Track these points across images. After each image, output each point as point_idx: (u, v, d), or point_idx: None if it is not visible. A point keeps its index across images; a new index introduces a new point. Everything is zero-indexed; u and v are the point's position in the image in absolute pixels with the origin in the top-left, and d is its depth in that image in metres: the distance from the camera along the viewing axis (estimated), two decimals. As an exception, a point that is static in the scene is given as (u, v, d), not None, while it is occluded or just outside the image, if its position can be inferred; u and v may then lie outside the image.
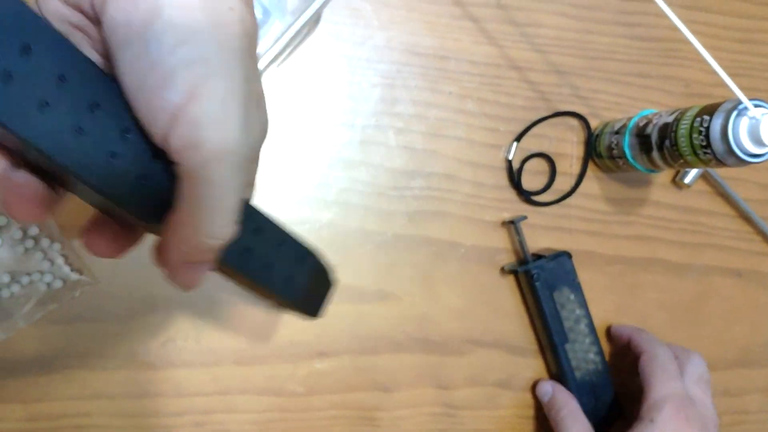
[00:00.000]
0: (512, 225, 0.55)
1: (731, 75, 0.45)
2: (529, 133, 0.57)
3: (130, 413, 0.50)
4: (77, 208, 0.49)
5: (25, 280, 0.48)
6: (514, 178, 0.56)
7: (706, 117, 0.45)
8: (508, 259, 0.56)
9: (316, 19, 0.52)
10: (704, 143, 0.45)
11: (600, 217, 0.59)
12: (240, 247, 0.30)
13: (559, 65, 0.57)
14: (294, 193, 0.53)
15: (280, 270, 0.34)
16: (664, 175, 0.60)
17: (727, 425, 0.61)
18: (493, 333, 0.56)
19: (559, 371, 0.55)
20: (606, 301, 0.59)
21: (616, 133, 0.54)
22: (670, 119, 0.49)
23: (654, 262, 0.60)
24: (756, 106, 0.43)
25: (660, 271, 0.60)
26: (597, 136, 0.57)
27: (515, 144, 0.56)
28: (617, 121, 0.55)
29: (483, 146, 0.56)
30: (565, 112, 0.57)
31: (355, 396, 0.54)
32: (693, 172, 0.58)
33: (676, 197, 0.60)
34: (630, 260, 0.59)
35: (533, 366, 0.57)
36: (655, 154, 0.50)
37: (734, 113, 0.43)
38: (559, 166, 0.57)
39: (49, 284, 0.48)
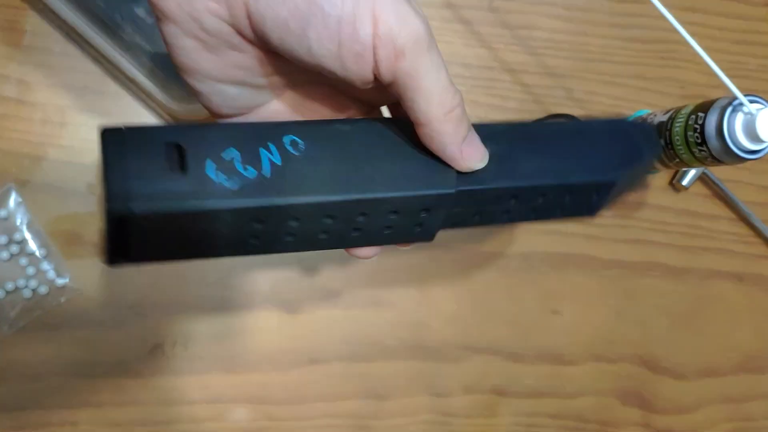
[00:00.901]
0: None
1: (728, 76, 0.44)
2: (523, 135, 0.56)
3: (118, 422, 0.49)
4: (63, 215, 0.49)
5: (9, 286, 0.47)
6: (509, 181, 0.55)
7: (701, 114, 0.44)
8: (505, 262, 0.55)
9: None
10: (699, 141, 0.44)
11: (597, 220, 0.57)
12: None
13: (553, 67, 0.57)
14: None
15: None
16: (662, 178, 0.59)
17: (730, 433, 0.59)
18: (488, 338, 0.55)
19: None
20: (604, 307, 0.58)
21: (612, 134, 0.54)
22: (664, 118, 0.48)
23: (653, 267, 0.59)
24: (751, 101, 0.42)
25: (659, 275, 0.59)
26: (592, 138, 0.56)
27: (509, 147, 0.55)
28: (612, 122, 0.55)
29: (476, 149, 0.55)
30: (560, 114, 0.56)
31: (347, 404, 0.53)
32: (690, 174, 0.57)
33: (673, 200, 0.59)
34: (628, 264, 0.58)
35: (530, 372, 0.56)
36: (651, 154, 0.49)
37: (729, 109, 0.42)
38: (554, 169, 0.56)
39: (34, 290, 0.47)
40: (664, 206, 0.59)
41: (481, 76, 0.55)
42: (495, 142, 0.32)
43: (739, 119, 0.42)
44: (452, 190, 0.31)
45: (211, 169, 0.27)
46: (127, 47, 0.45)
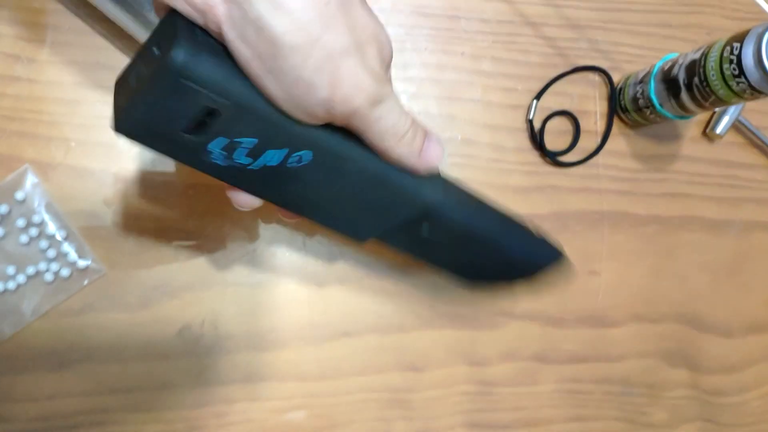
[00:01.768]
0: None
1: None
2: (549, 91, 0.54)
3: (149, 407, 0.47)
4: (81, 194, 0.47)
5: (30, 270, 0.45)
6: (537, 138, 0.53)
7: (736, 44, 0.42)
8: (539, 222, 0.53)
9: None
10: (737, 72, 0.42)
11: (630, 175, 0.55)
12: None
13: (574, 19, 0.55)
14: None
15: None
16: (694, 128, 0.57)
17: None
18: (524, 303, 0.53)
19: None
20: (643, 265, 0.55)
21: (640, 82, 0.52)
22: (696, 56, 0.46)
23: (690, 220, 0.56)
24: (792, 25, 0.40)
25: (697, 229, 0.57)
26: (620, 89, 0.54)
27: (535, 103, 0.53)
28: (641, 71, 0.53)
29: (501, 107, 0.53)
30: (585, 66, 0.54)
31: (383, 377, 0.51)
32: (724, 121, 0.55)
33: (708, 150, 0.57)
34: (665, 219, 0.56)
35: (570, 337, 0.54)
36: (684, 95, 0.47)
37: (766, 35, 0.40)
38: (583, 124, 0.54)
39: (56, 274, 0.46)
40: (698, 157, 0.57)
41: (501, 30, 0.53)
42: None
43: (779, 44, 0.40)
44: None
45: (216, 145, 0.30)
46: (140, 19, 0.44)
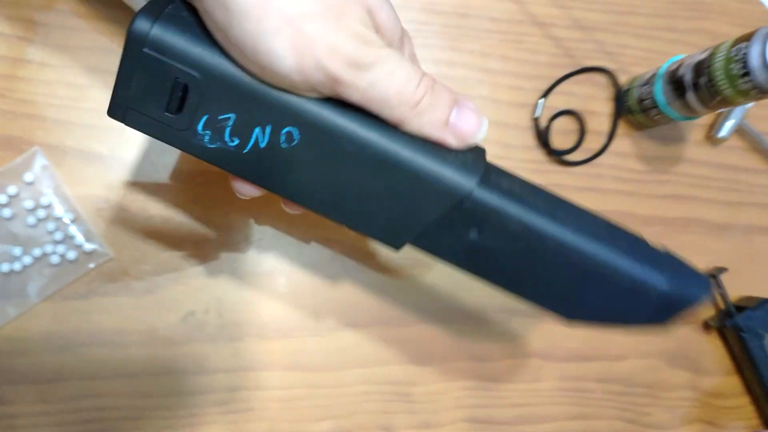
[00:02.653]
0: (713, 279, 0.56)
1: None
2: (556, 90, 0.54)
3: (151, 392, 0.47)
4: (90, 178, 0.47)
5: (36, 252, 0.45)
6: (543, 137, 0.54)
7: (743, 45, 0.43)
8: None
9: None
10: (743, 72, 0.43)
11: (634, 176, 0.56)
12: None
13: (582, 20, 0.56)
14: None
15: None
16: (698, 131, 0.57)
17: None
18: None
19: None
20: (645, 265, 0.56)
21: (646, 83, 0.52)
22: (703, 56, 0.47)
23: (693, 222, 0.57)
24: (800, 25, 0.41)
25: (700, 231, 0.57)
26: (626, 90, 0.55)
27: (542, 101, 0.54)
28: (646, 73, 0.53)
29: (508, 105, 0.54)
30: (592, 67, 0.55)
31: (386, 370, 0.51)
32: (728, 125, 0.56)
33: (711, 154, 0.58)
34: (668, 221, 0.56)
35: (573, 335, 0.54)
36: (690, 95, 0.48)
37: (776, 34, 0.41)
38: (589, 124, 0.55)
39: (62, 256, 0.46)
40: (701, 160, 0.57)
41: (510, 30, 0.54)
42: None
43: (787, 43, 0.41)
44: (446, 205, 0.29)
45: (201, 124, 0.29)
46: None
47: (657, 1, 0.57)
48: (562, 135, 0.55)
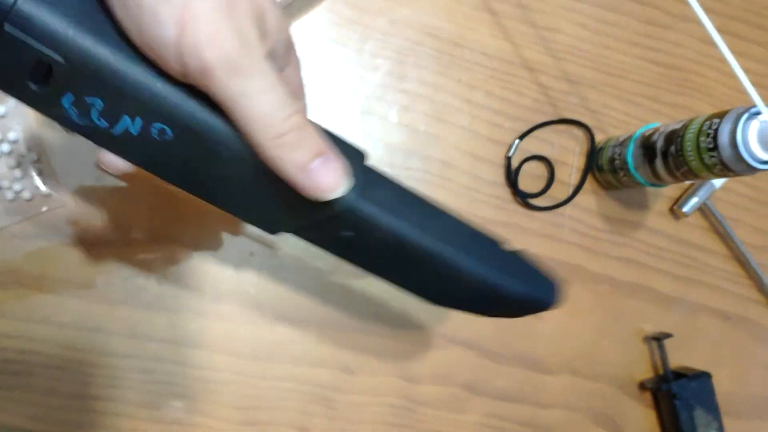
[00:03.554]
0: (656, 342, 0.57)
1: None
2: (533, 135, 0.56)
3: (78, 346, 0.47)
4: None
5: (-7, 185, 0.46)
6: (512, 176, 0.55)
7: (716, 120, 0.44)
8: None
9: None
10: (711, 146, 0.44)
11: (592, 232, 0.57)
12: None
13: (571, 74, 0.57)
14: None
15: None
16: (663, 203, 0.59)
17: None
18: (467, 330, 0.54)
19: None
20: (588, 320, 0.56)
21: (620, 144, 0.54)
22: (677, 126, 0.48)
23: (642, 289, 0.58)
24: (768, 112, 0.42)
25: (647, 299, 0.58)
26: (600, 148, 0.56)
27: (517, 142, 0.55)
28: (622, 135, 0.55)
29: (485, 139, 0.55)
30: (573, 120, 0.56)
31: (315, 372, 0.51)
32: (693, 201, 0.57)
33: (671, 227, 0.59)
34: (618, 283, 0.57)
35: (504, 374, 0.54)
36: (658, 162, 0.49)
37: (745, 116, 0.42)
38: (558, 173, 0.56)
39: (17, 193, 0.46)
40: (661, 231, 0.59)
41: (500, 68, 0.55)
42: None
43: (754, 127, 0.42)
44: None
45: (67, 101, 0.27)
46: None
47: (648, 70, 0.59)
48: (530, 179, 0.56)
